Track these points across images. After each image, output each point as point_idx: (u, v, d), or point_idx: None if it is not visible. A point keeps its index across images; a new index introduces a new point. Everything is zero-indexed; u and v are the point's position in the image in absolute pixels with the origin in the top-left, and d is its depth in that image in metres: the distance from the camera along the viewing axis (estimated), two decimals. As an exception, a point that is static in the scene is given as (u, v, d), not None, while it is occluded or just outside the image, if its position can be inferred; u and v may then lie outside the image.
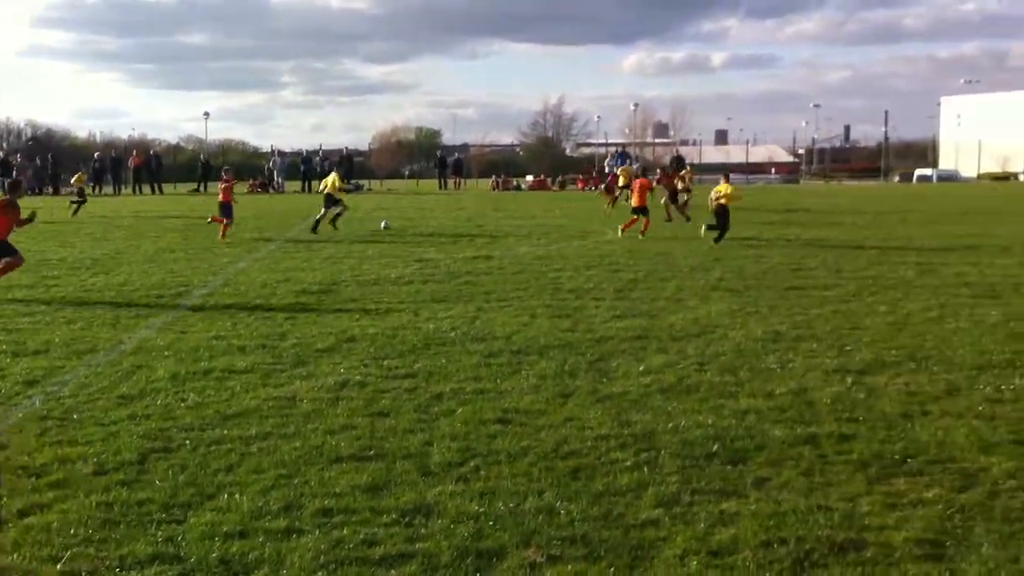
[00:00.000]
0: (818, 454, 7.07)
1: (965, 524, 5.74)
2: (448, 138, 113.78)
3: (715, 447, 7.20)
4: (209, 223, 25.02)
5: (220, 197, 24.71)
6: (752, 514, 5.91)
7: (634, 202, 24.58)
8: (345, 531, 5.75)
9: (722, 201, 22.50)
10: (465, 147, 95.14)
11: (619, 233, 23.84)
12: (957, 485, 6.40)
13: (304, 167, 56.95)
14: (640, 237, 23.45)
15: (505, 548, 5.50)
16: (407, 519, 5.92)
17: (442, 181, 61.04)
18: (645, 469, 6.75)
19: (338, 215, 26.31)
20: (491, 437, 7.51)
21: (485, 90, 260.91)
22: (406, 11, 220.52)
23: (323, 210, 26.31)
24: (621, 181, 35.82)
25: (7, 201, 15.44)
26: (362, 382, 9.25)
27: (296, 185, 56.53)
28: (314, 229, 25.57)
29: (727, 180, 23.54)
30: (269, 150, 70.78)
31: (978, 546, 5.43)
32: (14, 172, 45.15)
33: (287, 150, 70.63)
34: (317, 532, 5.74)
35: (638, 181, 25.51)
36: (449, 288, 15.35)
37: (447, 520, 5.89)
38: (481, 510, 6.02)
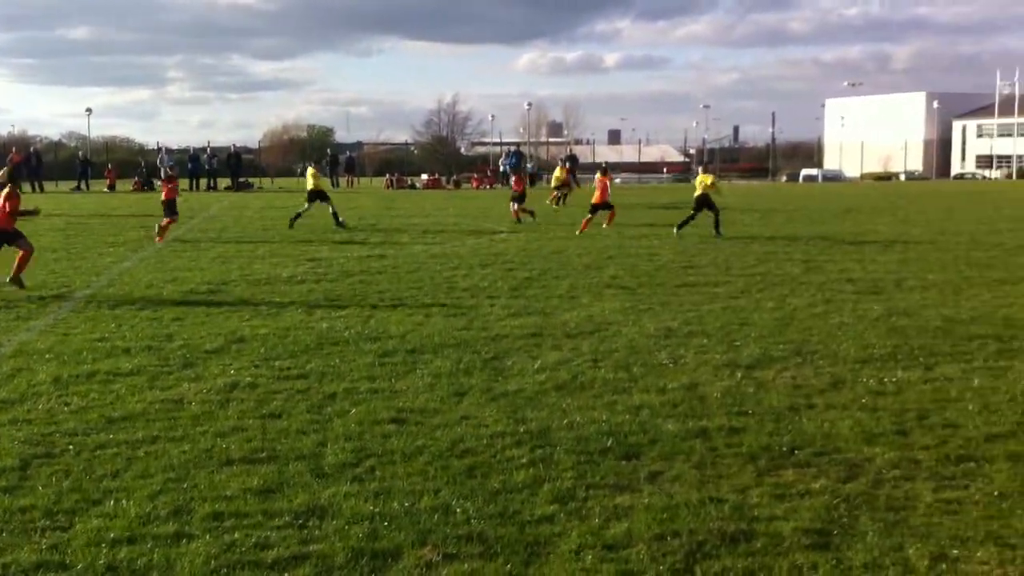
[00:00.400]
0: (709, 447, 7.18)
1: (850, 514, 5.90)
2: (341, 136, 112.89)
3: (609, 442, 7.26)
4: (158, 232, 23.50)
5: (164, 196, 23.81)
6: (646, 507, 5.98)
7: (595, 199, 25.33)
8: (236, 535, 5.63)
9: (707, 190, 23.52)
10: (359, 145, 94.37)
11: (579, 231, 24.30)
12: (842, 475, 6.57)
13: (191, 165, 55.74)
14: (604, 227, 25.00)
15: (401, 548, 5.46)
16: (300, 521, 5.83)
17: (334, 179, 60.38)
18: (540, 466, 6.78)
19: (299, 214, 26.39)
20: (386, 437, 7.45)
21: (379, 88, 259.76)
22: (297, 6, 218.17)
23: (330, 207, 26.43)
24: (555, 182, 36.55)
25: (11, 189, 15.25)
26: (253, 383, 9.08)
27: (183, 183, 55.27)
28: (338, 223, 25.88)
29: (706, 171, 25.04)
30: (155, 147, 69.11)
31: (863, 535, 5.58)
32: None
33: (174, 147, 69.08)
34: (207, 536, 5.62)
35: (601, 179, 26.18)
36: (343, 287, 15.20)
37: (341, 521, 5.82)
38: (376, 510, 5.97)
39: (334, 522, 5.81)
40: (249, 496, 6.23)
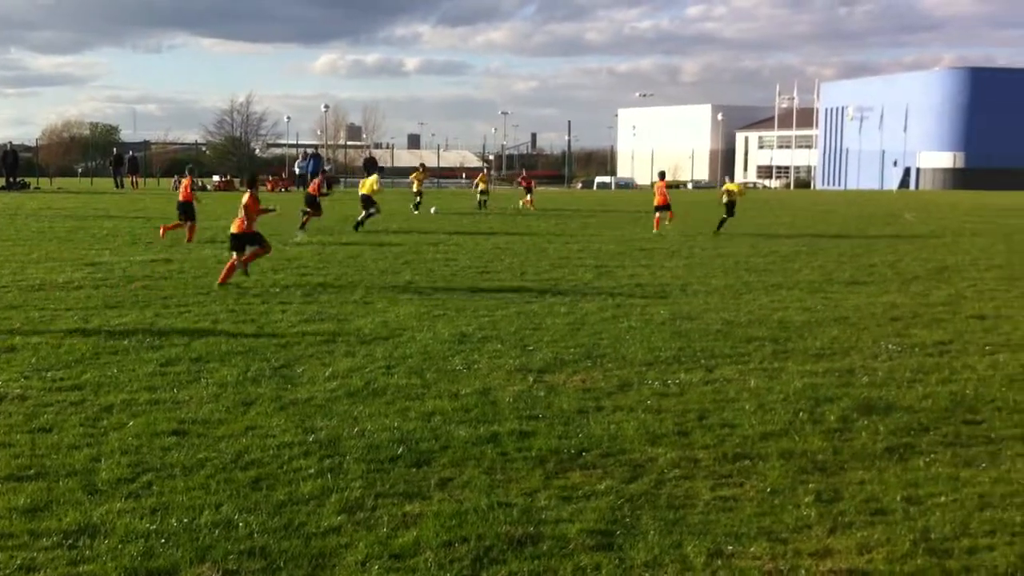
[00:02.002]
0: (500, 452, 7.21)
1: (633, 513, 6.04)
2: (128, 135, 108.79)
3: (400, 450, 7.19)
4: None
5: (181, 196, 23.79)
6: (435, 515, 5.94)
7: (658, 201, 28.06)
8: (0, 557, 5.26)
9: (732, 197, 27.99)
10: (145, 144, 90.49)
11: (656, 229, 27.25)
12: (627, 476, 6.72)
13: (-34, 163, 52.20)
14: (667, 223, 28.01)
15: (178, 566, 5.22)
16: (70, 541, 5.50)
17: (118, 180, 57.77)
18: (329, 476, 6.64)
19: (368, 217, 26.89)
20: (166, 450, 7.13)
21: (168, 86, 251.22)
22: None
23: (364, 212, 26.89)
24: (481, 185, 37.50)
25: (253, 195, 16.29)
26: (22, 395, 8.54)
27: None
28: (356, 227, 26.38)
29: (732, 180, 29.44)
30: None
31: (645, 534, 5.72)
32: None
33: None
34: (-35, 561, 5.22)
35: (660, 184, 28.92)
36: (124, 293, 14.53)
37: (115, 540, 5.52)
38: (153, 527, 5.69)
39: (107, 541, 5.51)
40: (15, 515, 5.85)
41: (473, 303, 14.16)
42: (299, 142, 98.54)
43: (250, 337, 11.28)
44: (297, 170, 60.92)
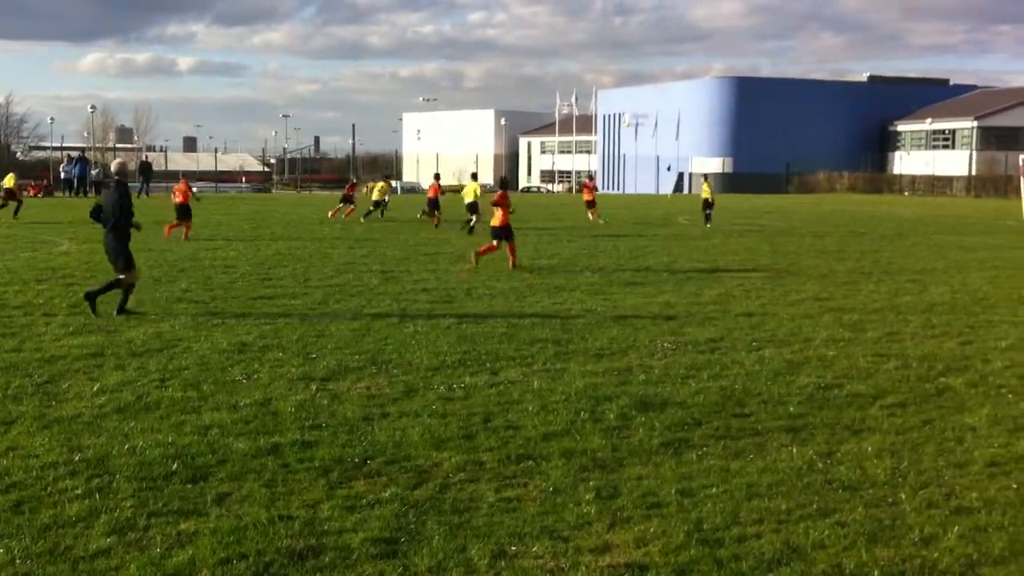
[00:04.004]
0: (281, 463, 7.04)
1: (418, 519, 6.00)
2: None
3: (175, 466, 6.90)
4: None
5: (178, 199, 26.13)
6: (212, 531, 5.72)
7: (587, 197, 36.15)
8: None
9: (706, 196, 34.69)
10: None
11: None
12: (412, 482, 6.68)
13: None
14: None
15: (-75, 603, 4.82)
16: None
17: None
18: (97, 496, 6.29)
19: (475, 223, 28.47)
20: (-87, 476, 6.59)
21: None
22: None
23: (472, 217, 28.80)
24: (377, 194, 36.50)
25: (504, 194, 19.98)
26: None
27: None
28: (470, 232, 27.89)
29: (707, 181, 36.18)
30: None
31: (429, 539, 5.69)
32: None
33: None
34: None
35: (587, 183, 36.26)
36: None
37: None
38: None
39: None
40: None
41: (254, 311, 13.79)
42: (64, 145, 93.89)
43: (11, 352, 10.59)
44: (63, 174, 57.93)
